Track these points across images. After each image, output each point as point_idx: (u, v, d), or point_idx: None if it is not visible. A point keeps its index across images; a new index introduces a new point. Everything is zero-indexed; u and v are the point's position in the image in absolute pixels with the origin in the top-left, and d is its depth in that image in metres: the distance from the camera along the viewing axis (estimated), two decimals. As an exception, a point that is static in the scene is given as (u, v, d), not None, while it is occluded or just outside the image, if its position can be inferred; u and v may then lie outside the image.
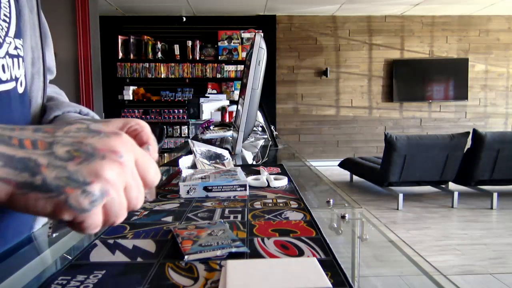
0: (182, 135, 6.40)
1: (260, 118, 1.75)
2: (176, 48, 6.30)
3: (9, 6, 0.50)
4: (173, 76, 6.32)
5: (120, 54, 6.24)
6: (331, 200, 0.69)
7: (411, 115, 6.77)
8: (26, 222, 0.57)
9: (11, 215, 0.51)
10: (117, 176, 0.32)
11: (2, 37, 0.47)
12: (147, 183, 0.36)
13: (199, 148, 1.02)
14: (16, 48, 0.50)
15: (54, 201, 0.30)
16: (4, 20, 0.48)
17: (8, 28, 0.49)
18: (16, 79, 0.51)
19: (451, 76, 6.57)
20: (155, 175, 0.36)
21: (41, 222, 0.61)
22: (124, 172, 0.33)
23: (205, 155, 1.00)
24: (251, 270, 0.37)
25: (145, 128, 0.40)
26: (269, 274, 0.36)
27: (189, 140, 1.09)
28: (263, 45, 1.24)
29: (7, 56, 0.48)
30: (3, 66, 0.47)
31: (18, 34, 0.51)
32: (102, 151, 0.32)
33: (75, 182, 0.30)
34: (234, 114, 3.35)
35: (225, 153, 1.05)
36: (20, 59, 0.51)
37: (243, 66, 6.05)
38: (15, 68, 0.50)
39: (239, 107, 1.41)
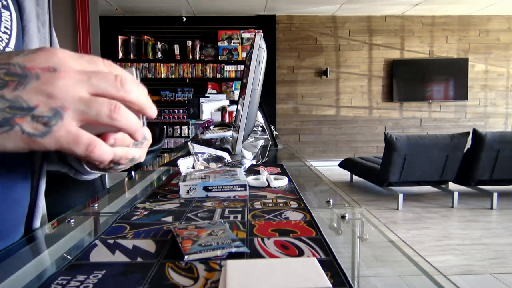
0: (182, 135, 6.40)
1: (260, 118, 1.75)
2: (176, 48, 6.30)
3: (11, 20, 0.52)
4: (173, 76, 6.33)
5: (120, 54, 6.24)
6: (331, 200, 0.70)
7: (411, 115, 6.77)
8: (19, 220, 0.57)
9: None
10: (65, 88, 0.30)
11: (2, 48, 0.49)
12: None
13: (199, 150, 1.02)
14: None
15: (10, 135, 0.28)
16: (4, 32, 0.50)
17: (9, 40, 0.51)
18: None
19: (451, 76, 6.57)
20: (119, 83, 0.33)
21: (38, 222, 0.61)
22: (73, 80, 0.30)
23: (205, 158, 1.00)
24: (251, 270, 0.37)
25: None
26: (269, 274, 0.36)
27: (189, 143, 1.09)
28: (263, 45, 1.24)
29: None
30: None
31: (19, 46, 0.53)
32: (33, 69, 0.29)
33: (20, 110, 0.28)
34: (234, 114, 3.35)
35: (225, 155, 1.05)
36: None
37: (243, 66, 6.05)
38: None
39: (239, 107, 1.41)
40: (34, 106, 0.29)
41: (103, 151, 0.33)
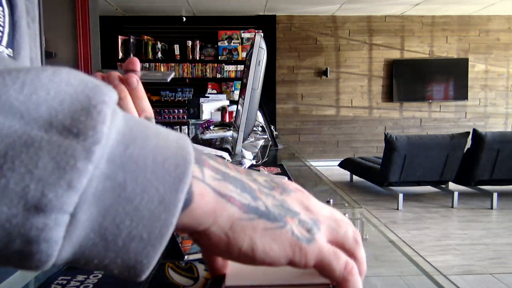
0: (182, 135, 6.39)
1: (260, 118, 1.76)
2: (176, 48, 6.30)
3: (4, 16, 0.50)
4: (173, 76, 6.33)
5: (120, 54, 6.24)
6: (331, 200, 0.69)
7: (411, 115, 6.77)
8: None
9: None
10: (317, 205, 0.31)
11: None
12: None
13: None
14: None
15: (282, 233, 0.27)
16: None
17: (2, 37, 0.49)
18: None
19: (451, 76, 6.57)
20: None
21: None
22: (323, 210, 0.31)
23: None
24: (251, 268, 0.37)
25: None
26: (269, 271, 0.36)
27: None
28: (263, 45, 1.24)
29: None
30: None
31: (11, 44, 0.52)
32: (291, 186, 0.31)
33: (289, 211, 0.29)
34: (234, 114, 3.35)
35: (225, 155, 1.05)
36: None
37: (243, 66, 6.05)
38: None
39: (239, 107, 1.41)
40: (299, 212, 0.29)
41: (358, 276, 0.30)
